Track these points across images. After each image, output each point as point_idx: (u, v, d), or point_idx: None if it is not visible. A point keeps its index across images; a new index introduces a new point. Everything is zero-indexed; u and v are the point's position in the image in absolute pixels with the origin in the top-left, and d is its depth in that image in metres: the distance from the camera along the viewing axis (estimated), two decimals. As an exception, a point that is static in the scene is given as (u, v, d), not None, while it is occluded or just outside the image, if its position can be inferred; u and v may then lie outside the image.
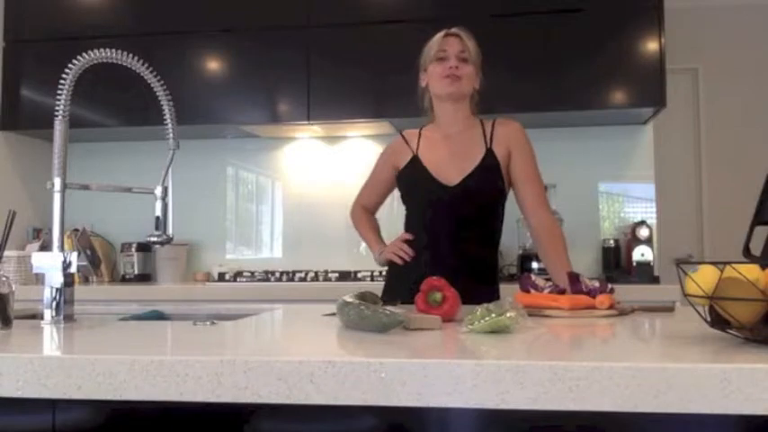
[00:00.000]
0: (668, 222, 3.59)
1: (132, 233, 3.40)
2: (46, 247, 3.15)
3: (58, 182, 1.47)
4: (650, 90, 2.94)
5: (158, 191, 1.58)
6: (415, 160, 2.09)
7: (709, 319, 1.06)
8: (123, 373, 0.94)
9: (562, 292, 1.60)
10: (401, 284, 2.02)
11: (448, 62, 2.01)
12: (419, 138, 2.14)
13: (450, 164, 2.05)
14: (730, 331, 1.04)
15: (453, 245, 2.01)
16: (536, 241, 2.06)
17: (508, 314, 1.19)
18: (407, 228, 2.13)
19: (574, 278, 1.63)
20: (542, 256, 2.04)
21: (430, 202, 2.05)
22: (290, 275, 3.16)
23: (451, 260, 2.00)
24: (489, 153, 2.04)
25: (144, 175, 3.20)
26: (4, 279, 1.34)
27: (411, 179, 2.10)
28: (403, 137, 2.17)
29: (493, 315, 1.19)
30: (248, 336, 1.30)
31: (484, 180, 2.03)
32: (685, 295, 1.07)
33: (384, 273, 2.24)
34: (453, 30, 2.06)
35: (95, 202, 3.45)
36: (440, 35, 2.06)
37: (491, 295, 2.02)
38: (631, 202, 3.32)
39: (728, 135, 3.94)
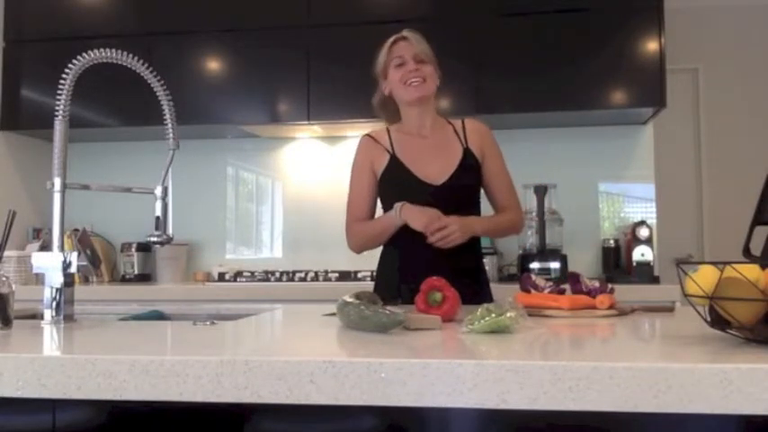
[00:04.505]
0: (668, 222, 3.58)
1: (132, 233, 3.40)
2: (46, 247, 3.15)
3: (57, 182, 1.47)
4: (650, 90, 2.94)
5: (158, 191, 1.57)
6: (395, 161, 2.06)
7: (709, 319, 1.06)
8: (123, 373, 0.94)
9: (562, 292, 1.60)
10: (389, 284, 2.03)
11: (407, 66, 2.02)
12: (389, 136, 2.10)
13: (431, 163, 2.04)
14: (730, 331, 1.04)
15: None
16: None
17: (508, 314, 1.19)
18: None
19: (574, 278, 1.63)
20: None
21: (414, 202, 1.98)
22: (290, 275, 3.16)
23: (436, 258, 1.93)
24: (467, 152, 2.05)
25: (144, 175, 3.18)
26: (4, 279, 1.34)
27: (394, 181, 2.05)
28: (371, 137, 2.13)
29: (493, 315, 1.19)
30: (248, 336, 1.30)
31: (468, 178, 2.05)
32: (685, 295, 1.07)
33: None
34: (403, 33, 2.06)
35: (95, 202, 3.45)
36: (390, 41, 2.07)
37: (482, 291, 2.04)
38: (631, 202, 3.32)
39: (728, 135, 3.94)
